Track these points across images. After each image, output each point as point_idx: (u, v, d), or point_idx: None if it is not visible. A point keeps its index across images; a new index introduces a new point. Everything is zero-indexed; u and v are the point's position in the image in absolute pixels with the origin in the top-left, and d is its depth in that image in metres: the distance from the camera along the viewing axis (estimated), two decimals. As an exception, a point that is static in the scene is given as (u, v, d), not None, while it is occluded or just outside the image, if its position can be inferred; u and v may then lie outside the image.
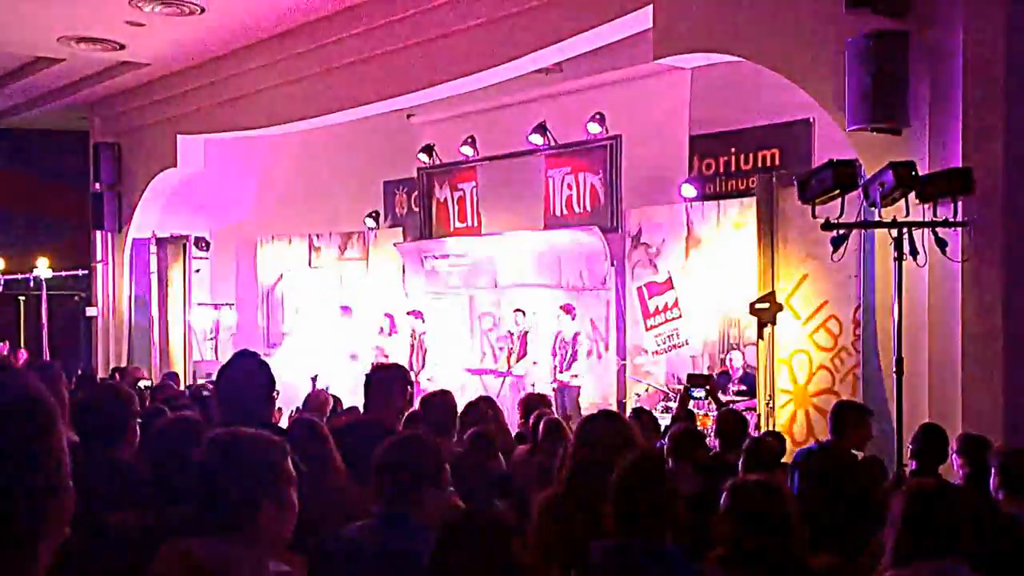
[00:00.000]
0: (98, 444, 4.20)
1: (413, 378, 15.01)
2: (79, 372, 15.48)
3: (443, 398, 6.10)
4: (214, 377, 13.22)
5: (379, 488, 3.69)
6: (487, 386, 15.07)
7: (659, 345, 13.65)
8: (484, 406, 6.84)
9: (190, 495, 3.03)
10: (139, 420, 4.82)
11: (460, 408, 6.45)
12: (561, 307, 14.26)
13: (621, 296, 14.08)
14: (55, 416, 1.82)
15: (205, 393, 8.34)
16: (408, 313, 15.96)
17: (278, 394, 5.06)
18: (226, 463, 2.91)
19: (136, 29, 15.31)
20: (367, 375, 5.89)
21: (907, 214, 8.60)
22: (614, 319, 14.15)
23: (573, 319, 14.16)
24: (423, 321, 15.97)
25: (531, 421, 7.17)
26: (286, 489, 2.94)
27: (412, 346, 15.87)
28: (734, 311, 12.81)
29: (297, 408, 9.69)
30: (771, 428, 11.15)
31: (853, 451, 6.82)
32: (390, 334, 16.27)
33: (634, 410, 9.12)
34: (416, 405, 6.48)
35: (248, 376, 4.75)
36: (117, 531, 3.64)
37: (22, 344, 21.87)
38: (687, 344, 13.46)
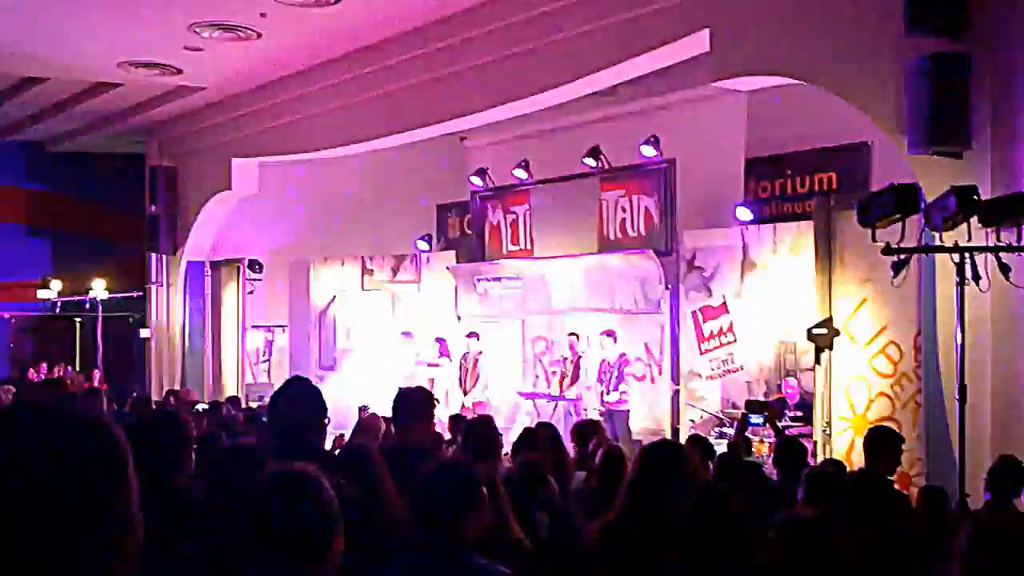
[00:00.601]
0: (155, 471, 4.19)
1: (462, 399, 15.15)
2: (133, 395, 15.59)
3: (485, 423, 6.05)
4: (267, 401, 13.22)
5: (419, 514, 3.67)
6: (540, 410, 15.00)
7: (713, 370, 13.50)
8: (542, 432, 6.76)
9: (247, 525, 3.00)
10: (195, 445, 4.81)
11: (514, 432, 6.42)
12: (602, 332, 14.17)
13: (675, 320, 13.95)
14: (128, 452, 1.78)
15: (264, 419, 8.31)
16: (468, 336, 15.78)
17: (329, 421, 5.05)
18: (296, 503, 2.89)
19: (194, 54, 15.48)
20: (395, 397, 5.90)
21: (969, 238, 8.44)
22: (668, 343, 14.02)
23: (615, 342, 14.05)
24: (478, 340, 15.86)
25: (589, 448, 7.09)
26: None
27: (463, 368, 15.78)
28: (790, 336, 12.65)
29: (342, 434, 9.68)
30: (828, 455, 10.99)
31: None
32: (439, 358, 16.24)
33: (691, 437, 9.01)
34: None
35: (300, 402, 4.75)
36: (183, 558, 3.62)
37: (77, 365, 22.08)
38: (742, 369, 13.30)
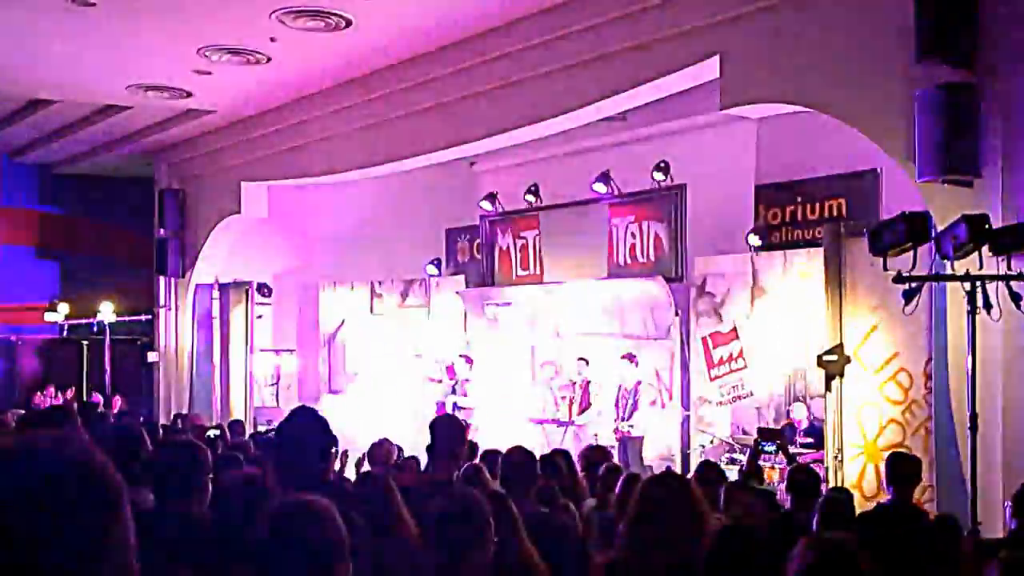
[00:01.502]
0: (174, 501, 4.20)
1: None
2: (141, 419, 15.56)
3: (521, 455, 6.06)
4: (274, 426, 13.21)
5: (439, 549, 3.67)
6: (549, 436, 14.97)
7: (723, 396, 13.49)
8: (560, 460, 6.76)
9: (252, 556, 3.02)
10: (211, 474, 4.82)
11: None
12: (623, 356, 14.13)
13: (685, 346, 13.95)
14: (122, 491, 1.69)
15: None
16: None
17: (336, 453, 5.05)
18: (297, 537, 2.91)
19: (203, 78, 15.55)
20: (432, 426, 5.91)
21: (980, 267, 8.44)
22: (678, 369, 14.01)
23: (636, 366, 14.02)
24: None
25: (600, 473, 7.11)
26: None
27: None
28: (800, 362, 12.65)
29: (346, 451, 9.64)
30: (839, 482, 10.96)
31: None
32: (451, 380, 16.23)
33: (702, 463, 8.99)
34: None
35: (305, 434, 4.74)
36: None
37: (84, 389, 22.05)
38: (752, 395, 13.29)
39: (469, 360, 16.06)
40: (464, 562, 3.66)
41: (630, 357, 14.05)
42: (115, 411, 16.92)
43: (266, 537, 2.97)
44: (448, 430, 5.96)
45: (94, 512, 1.64)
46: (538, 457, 6.53)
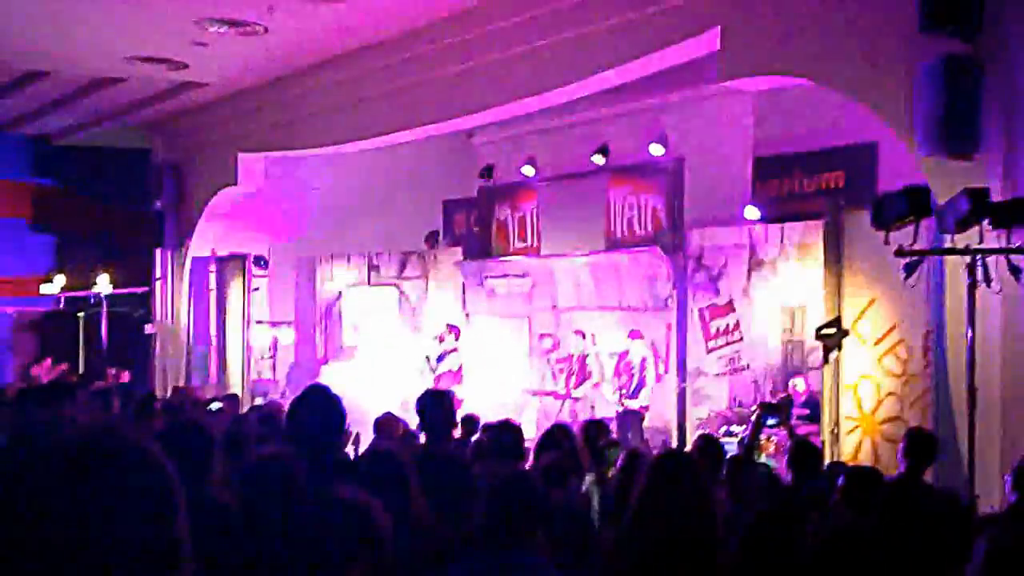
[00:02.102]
0: (184, 479, 4.16)
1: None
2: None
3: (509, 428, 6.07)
4: (271, 397, 13.16)
5: (491, 527, 3.67)
6: (547, 408, 15.02)
7: (720, 368, 13.52)
8: (559, 435, 6.77)
9: (296, 545, 3.04)
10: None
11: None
12: (630, 333, 14.13)
13: (682, 318, 13.97)
14: (179, 491, 1.73)
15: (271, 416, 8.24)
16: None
17: (349, 429, 5.08)
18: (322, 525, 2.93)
19: (200, 49, 15.45)
20: (422, 400, 5.95)
21: (980, 241, 8.45)
22: (675, 341, 14.03)
23: (643, 340, 14.04)
24: (456, 338, 15.79)
25: (600, 447, 7.12)
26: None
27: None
28: (797, 335, 12.68)
29: (357, 432, 9.65)
30: (836, 456, 11.00)
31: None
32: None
33: (701, 437, 9.00)
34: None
35: (320, 411, 4.73)
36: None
37: (80, 362, 22.00)
38: (748, 367, 13.32)
39: (453, 329, 16.04)
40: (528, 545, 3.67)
41: (638, 334, 14.05)
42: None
43: (310, 530, 3.01)
44: (434, 405, 5.99)
45: (159, 502, 1.68)
46: (541, 431, 6.57)
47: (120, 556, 1.61)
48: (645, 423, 14.05)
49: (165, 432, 4.74)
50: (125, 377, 18.40)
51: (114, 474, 1.65)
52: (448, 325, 16.10)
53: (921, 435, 7.23)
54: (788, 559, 3.48)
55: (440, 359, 15.86)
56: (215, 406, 11.00)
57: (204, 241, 19.75)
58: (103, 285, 20.69)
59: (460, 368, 15.80)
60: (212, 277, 19.66)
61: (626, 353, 14.04)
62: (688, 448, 11.70)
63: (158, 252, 20.59)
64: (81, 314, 22.67)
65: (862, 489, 6.09)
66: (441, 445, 6.05)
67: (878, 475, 7.03)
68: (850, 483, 6.20)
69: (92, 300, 21.25)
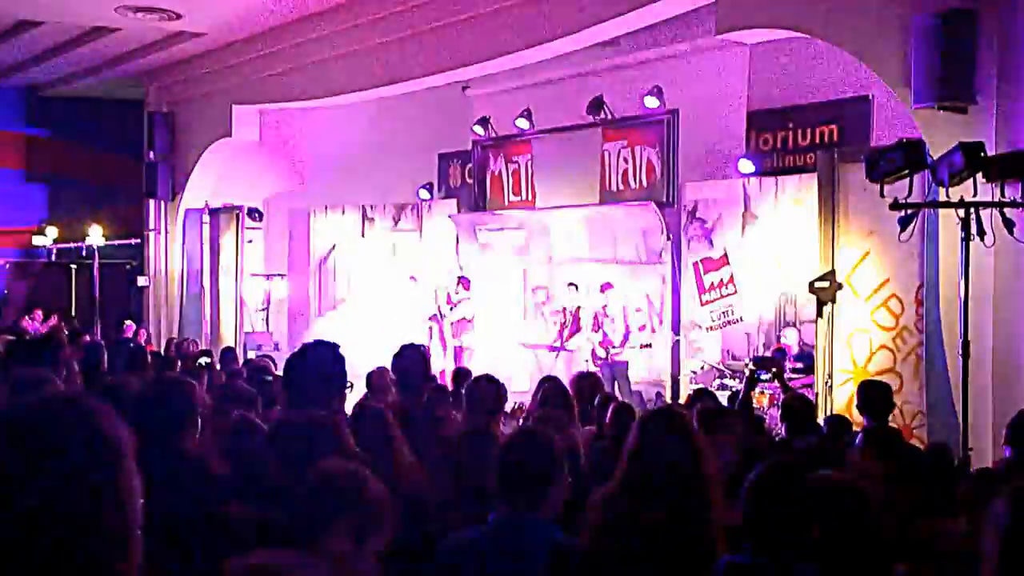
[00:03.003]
0: (164, 437, 4.13)
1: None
2: (131, 345, 15.49)
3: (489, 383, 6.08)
4: (263, 351, 13.07)
5: (505, 488, 3.71)
6: (540, 360, 15.09)
7: (714, 321, 13.57)
8: (552, 386, 6.78)
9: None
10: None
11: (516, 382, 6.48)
12: (601, 287, 14.18)
13: (676, 271, 14.01)
14: (124, 454, 1.83)
15: (268, 377, 8.17)
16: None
17: (351, 386, 5.06)
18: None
19: (193, -1, 15.37)
20: (396, 356, 5.99)
21: (975, 194, 8.48)
22: (669, 294, 14.08)
23: (613, 290, 14.07)
24: (466, 289, 15.89)
25: (596, 403, 7.16)
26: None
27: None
28: (791, 288, 12.73)
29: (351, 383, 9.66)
30: (829, 409, 11.08)
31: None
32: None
33: (696, 391, 9.08)
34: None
35: (319, 370, 4.66)
36: (236, 523, 3.66)
37: (74, 312, 21.96)
38: (742, 320, 13.38)
39: (463, 280, 16.10)
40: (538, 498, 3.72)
41: (609, 285, 14.08)
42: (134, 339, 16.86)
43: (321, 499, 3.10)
44: (411, 360, 6.04)
45: (98, 466, 1.78)
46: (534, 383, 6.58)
47: (60, 528, 1.74)
48: (639, 375, 14.12)
49: (147, 394, 4.65)
50: (141, 335, 18.26)
51: (54, 447, 1.78)
52: (459, 278, 16.15)
53: (875, 385, 7.28)
54: (795, 510, 3.51)
55: (452, 307, 15.92)
56: (203, 360, 10.89)
57: (198, 193, 19.71)
58: (95, 237, 20.64)
59: (473, 317, 15.85)
60: (205, 229, 19.64)
61: (605, 306, 14.07)
62: (682, 400, 11.84)
63: (151, 203, 20.55)
64: (73, 266, 22.63)
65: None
66: (415, 399, 6.11)
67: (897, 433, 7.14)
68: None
69: (84, 252, 21.20)
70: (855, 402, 7.35)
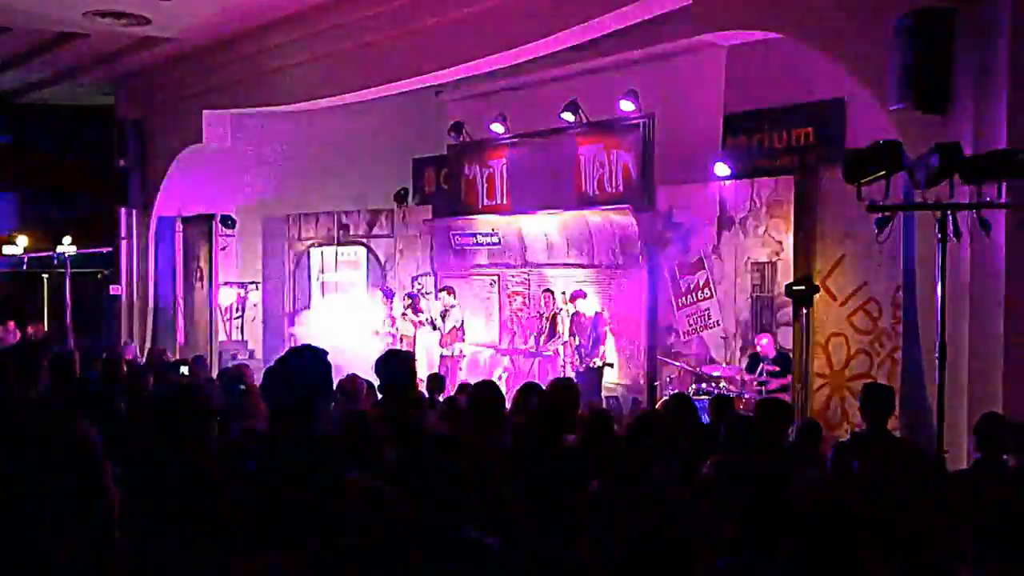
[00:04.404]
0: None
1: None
2: (103, 355, 15.27)
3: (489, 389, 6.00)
4: (239, 360, 12.93)
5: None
6: (517, 366, 14.99)
7: (691, 326, 13.50)
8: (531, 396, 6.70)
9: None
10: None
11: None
12: (571, 295, 14.12)
13: (653, 275, 13.93)
14: (97, 448, 2.15)
15: (242, 386, 8.03)
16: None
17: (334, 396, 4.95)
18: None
19: (162, 3, 15.17)
20: (381, 361, 5.88)
21: (952, 196, 8.41)
22: (645, 298, 14.00)
23: (585, 299, 14.01)
24: (452, 296, 15.79)
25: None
26: None
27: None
28: (767, 292, 12.65)
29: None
30: (807, 412, 11.03)
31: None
32: (416, 312, 16.13)
33: (674, 396, 8.96)
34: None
35: (307, 372, 4.53)
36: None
37: (46, 323, 21.72)
38: (719, 325, 13.31)
39: (446, 288, 15.98)
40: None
41: (580, 293, 14.03)
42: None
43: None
44: (393, 366, 5.92)
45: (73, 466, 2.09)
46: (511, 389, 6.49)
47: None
48: (616, 381, 14.04)
49: (164, 402, 4.51)
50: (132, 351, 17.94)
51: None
52: (444, 287, 16.01)
53: (877, 388, 7.21)
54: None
55: (444, 318, 15.75)
56: (184, 370, 10.74)
57: (170, 200, 19.50)
58: (67, 246, 20.44)
59: (463, 324, 15.71)
60: (178, 237, 19.44)
61: (579, 314, 14.00)
62: (658, 406, 11.74)
63: (123, 211, 20.31)
64: (45, 275, 22.42)
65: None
66: (399, 405, 5.99)
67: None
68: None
69: (56, 261, 20.98)
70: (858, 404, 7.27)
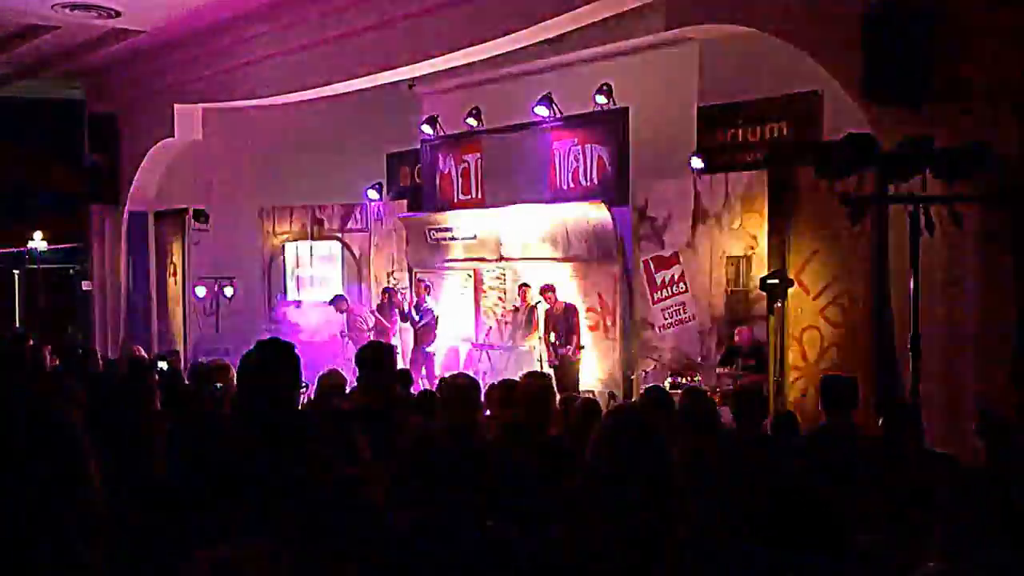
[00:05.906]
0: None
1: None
2: (80, 350, 15.19)
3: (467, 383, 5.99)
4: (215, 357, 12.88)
5: None
6: (493, 360, 14.96)
7: (666, 319, 13.50)
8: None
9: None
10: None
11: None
12: (540, 290, 14.15)
13: (628, 270, 13.94)
14: (80, 437, 2.13)
15: (218, 385, 7.94)
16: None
17: (306, 386, 4.91)
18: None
19: (132, -5, 15.05)
20: (360, 354, 5.85)
21: (924, 189, 8.45)
22: (621, 293, 14.00)
23: (553, 292, 14.04)
24: (428, 293, 15.84)
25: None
26: None
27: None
28: (742, 285, 12.67)
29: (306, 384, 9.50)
30: (781, 405, 11.05)
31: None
32: (391, 309, 16.10)
33: (650, 389, 8.98)
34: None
35: (273, 371, 4.49)
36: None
37: (17, 319, 21.57)
38: (694, 319, 13.31)
39: (422, 283, 16.03)
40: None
41: (549, 287, 14.06)
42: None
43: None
44: (375, 359, 5.89)
45: (58, 453, 2.08)
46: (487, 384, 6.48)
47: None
48: (592, 376, 14.05)
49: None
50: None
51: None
52: (421, 283, 16.01)
53: (836, 381, 7.20)
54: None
55: (421, 313, 15.74)
56: (163, 365, 10.66)
57: (142, 195, 19.34)
58: (38, 242, 20.28)
59: (437, 320, 15.75)
60: (151, 232, 19.30)
61: (550, 308, 14.03)
62: (634, 399, 11.76)
63: (94, 207, 20.13)
64: (16, 271, 22.27)
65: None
66: (375, 398, 5.97)
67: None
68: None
69: (27, 257, 20.83)
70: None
